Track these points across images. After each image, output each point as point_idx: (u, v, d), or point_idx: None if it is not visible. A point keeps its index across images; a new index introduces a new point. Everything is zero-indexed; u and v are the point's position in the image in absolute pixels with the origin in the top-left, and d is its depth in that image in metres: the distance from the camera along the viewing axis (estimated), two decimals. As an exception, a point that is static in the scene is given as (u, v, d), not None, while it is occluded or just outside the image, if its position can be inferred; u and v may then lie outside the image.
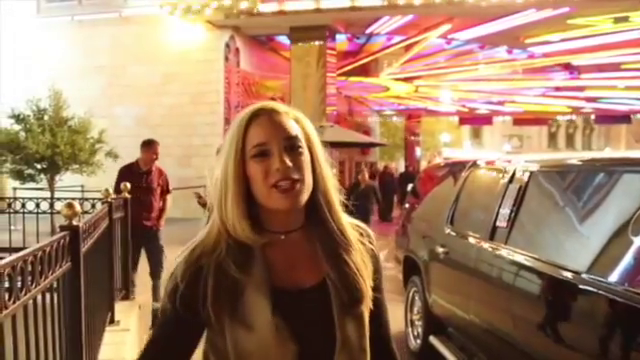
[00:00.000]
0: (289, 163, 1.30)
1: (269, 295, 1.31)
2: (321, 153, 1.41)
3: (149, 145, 6.85)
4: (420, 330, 5.65)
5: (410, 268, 5.96)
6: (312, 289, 1.36)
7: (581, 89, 28.07)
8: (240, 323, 1.29)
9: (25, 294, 2.11)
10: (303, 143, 1.36)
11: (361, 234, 1.46)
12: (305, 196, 1.33)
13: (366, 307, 1.38)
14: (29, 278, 2.15)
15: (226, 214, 1.35)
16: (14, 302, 2.00)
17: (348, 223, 1.44)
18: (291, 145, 1.33)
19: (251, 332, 1.29)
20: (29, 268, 2.15)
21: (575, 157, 4.05)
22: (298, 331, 1.30)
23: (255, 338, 1.28)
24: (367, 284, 1.38)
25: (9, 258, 2.01)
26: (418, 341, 5.66)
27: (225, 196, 1.35)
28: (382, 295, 1.49)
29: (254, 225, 1.34)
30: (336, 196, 1.41)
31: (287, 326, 1.30)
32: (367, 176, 11.98)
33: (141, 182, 6.71)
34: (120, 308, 5.22)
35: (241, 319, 1.29)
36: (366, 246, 1.45)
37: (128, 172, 6.79)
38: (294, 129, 1.36)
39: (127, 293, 5.90)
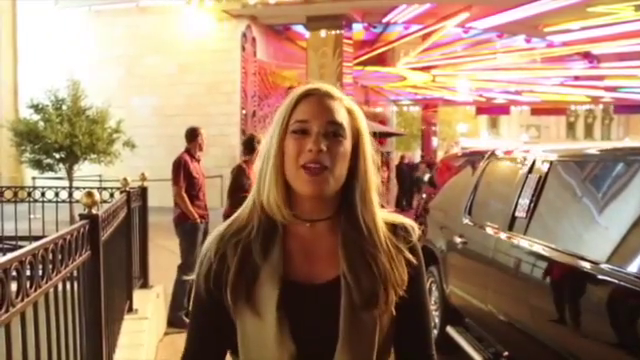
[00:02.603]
0: (323, 147, 1.27)
1: (279, 286, 1.28)
2: (369, 149, 1.37)
3: (199, 132, 6.45)
4: (437, 320, 5.64)
5: (427, 258, 5.93)
6: (326, 285, 1.32)
7: (600, 78, 27.73)
8: (250, 308, 1.28)
9: (46, 282, 2.13)
10: (347, 134, 1.33)
11: (397, 236, 1.39)
12: (332, 187, 1.30)
13: (383, 313, 1.32)
14: (50, 266, 2.17)
15: (263, 186, 1.34)
16: (35, 290, 2.02)
17: (383, 223, 1.38)
18: (333, 131, 1.30)
19: (257, 319, 1.28)
20: (50, 256, 2.17)
21: (594, 147, 4.01)
22: (301, 328, 1.28)
23: (259, 326, 1.27)
24: (389, 290, 1.32)
25: (30, 246, 2.03)
26: (435, 331, 5.66)
27: (265, 168, 1.34)
28: (420, 305, 1.43)
29: (288, 206, 1.33)
30: (374, 196, 1.37)
31: (290, 322, 1.27)
32: None
33: (200, 170, 6.43)
34: (138, 296, 5.26)
35: (252, 305, 1.28)
36: (402, 252, 1.37)
37: (193, 160, 6.35)
38: (341, 116, 1.33)
39: (145, 281, 5.95)
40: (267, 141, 1.36)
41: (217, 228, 1.39)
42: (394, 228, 1.40)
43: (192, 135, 6.42)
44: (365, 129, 1.38)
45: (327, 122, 1.30)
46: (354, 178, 1.34)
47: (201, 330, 1.39)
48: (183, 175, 6.18)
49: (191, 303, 1.41)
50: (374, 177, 1.37)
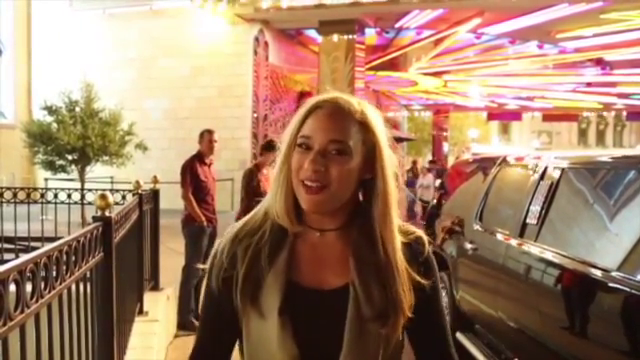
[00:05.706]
0: (320, 167, 1.25)
1: (282, 290, 1.28)
2: (388, 164, 1.33)
3: (204, 134, 6.46)
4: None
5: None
6: (333, 292, 1.31)
7: (613, 85, 27.62)
8: (256, 310, 1.29)
9: (60, 284, 2.15)
10: (355, 150, 1.28)
11: (412, 250, 1.37)
12: (331, 205, 1.29)
13: (392, 330, 1.29)
14: (64, 268, 2.19)
15: (274, 196, 1.34)
16: (49, 291, 2.03)
17: (400, 244, 1.34)
18: (336, 149, 1.26)
19: (262, 321, 1.28)
20: (64, 258, 2.19)
21: (606, 154, 4.00)
22: (304, 332, 1.27)
23: (264, 327, 1.28)
24: (399, 315, 1.29)
25: (45, 248, 2.05)
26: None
27: (277, 177, 1.34)
28: (435, 316, 1.41)
29: (296, 215, 1.32)
30: (395, 214, 1.33)
31: (294, 326, 1.27)
32: None
33: (210, 174, 6.46)
34: (149, 298, 5.28)
35: (257, 307, 1.29)
36: (412, 275, 1.34)
37: (202, 164, 6.36)
38: (347, 133, 1.28)
39: (156, 284, 5.98)
40: (281, 150, 1.34)
41: (232, 226, 1.40)
42: (409, 243, 1.38)
43: (199, 137, 6.51)
44: (383, 143, 1.33)
45: (328, 141, 1.26)
46: (373, 194, 1.31)
47: (212, 322, 1.40)
48: (190, 178, 6.23)
49: (202, 296, 1.41)
50: (395, 192, 1.33)
